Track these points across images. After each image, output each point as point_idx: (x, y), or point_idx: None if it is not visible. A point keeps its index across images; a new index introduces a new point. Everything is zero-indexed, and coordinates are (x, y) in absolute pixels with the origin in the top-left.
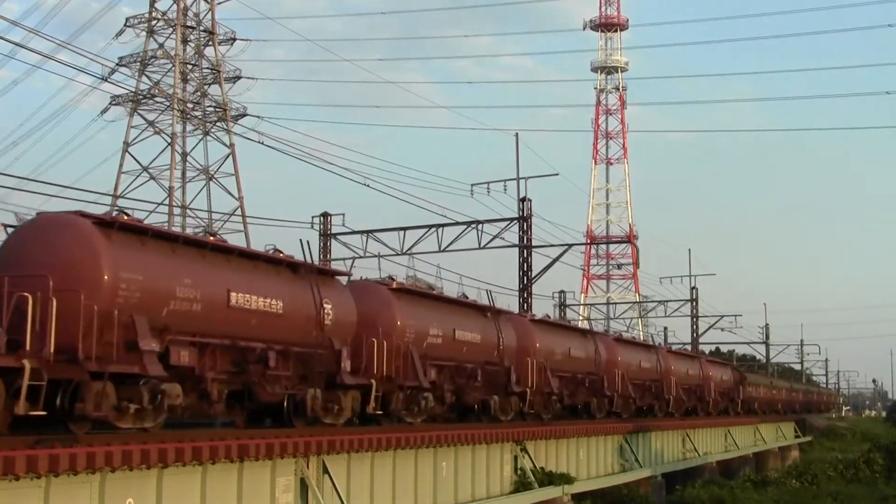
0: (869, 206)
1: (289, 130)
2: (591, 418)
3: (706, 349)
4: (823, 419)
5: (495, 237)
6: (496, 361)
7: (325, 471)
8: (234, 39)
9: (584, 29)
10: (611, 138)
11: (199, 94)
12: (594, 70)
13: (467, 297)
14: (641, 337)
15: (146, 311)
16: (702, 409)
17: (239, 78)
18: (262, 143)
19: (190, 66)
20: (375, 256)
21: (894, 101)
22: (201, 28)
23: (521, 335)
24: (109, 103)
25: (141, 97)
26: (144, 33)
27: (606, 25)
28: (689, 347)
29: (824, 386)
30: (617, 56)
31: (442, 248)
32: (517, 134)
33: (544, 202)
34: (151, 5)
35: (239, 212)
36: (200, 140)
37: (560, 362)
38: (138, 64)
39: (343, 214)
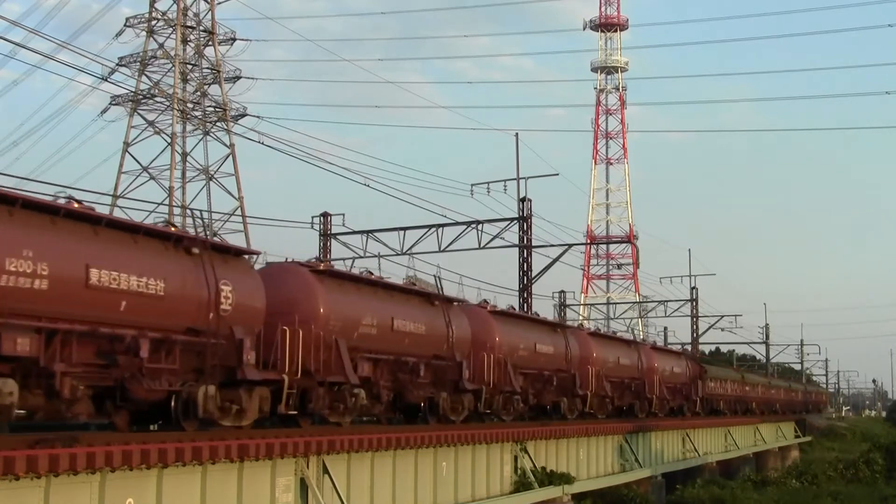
0: (869, 206)
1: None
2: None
3: (706, 349)
4: (823, 419)
5: (495, 237)
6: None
7: (325, 471)
8: (234, 39)
9: (584, 29)
10: (611, 138)
11: (199, 94)
12: (594, 70)
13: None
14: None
15: None
16: (640, 408)
17: (239, 78)
18: (262, 143)
19: (190, 66)
20: (375, 256)
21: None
22: (201, 28)
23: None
24: (109, 103)
25: (141, 97)
26: (144, 33)
27: (606, 25)
28: (689, 348)
29: (816, 384)
30: (617, 56)
31: (442, 248)
32: (517, 134)
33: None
34: (151, 5)
35: (239, 212)
36: (200, 140)
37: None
38: (138, 64)
39: (343, 214)
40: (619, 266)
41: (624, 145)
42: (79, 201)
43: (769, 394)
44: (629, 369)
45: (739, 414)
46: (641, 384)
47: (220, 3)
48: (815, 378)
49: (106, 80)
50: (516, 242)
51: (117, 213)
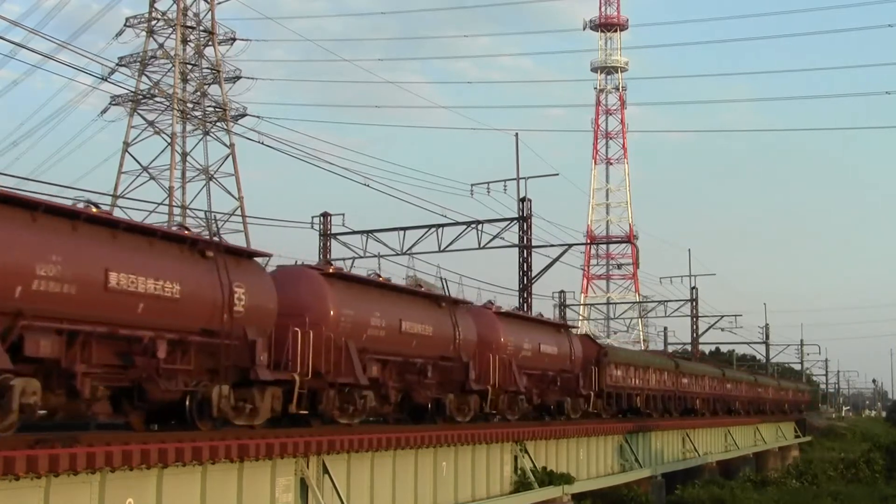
0: (869, 206)
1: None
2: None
3: (706, 349)
4: (821, 418)
5: (495, 237)
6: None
7: (325, 471)
8: (234, 39)
9: (583, 29)
10: (611, 138)
11: (199, 94)
12: (594, 70)
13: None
14: (642, 338)
15: None
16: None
17: (239, 78)
18: (262, 143)
19: (190, 66)
20: (375, 256)
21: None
22: (201, 28)
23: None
24: (109, 103)
25: (141, 97)
26: (144, 33)
27: (606, 25)
28: (689, 348)
29: (798, 380)
30: (617, 56)
31: (442, 248)
32: (517, 134)
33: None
34: (151, 5)
35: (239, 212)
36: (200, 140)
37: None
38: (138, 64)
39: (343, 214)
40: (619, 266)
41: (624, 145)
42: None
43: (724, 389)
44: (555, 359)
45: (673, 415)
46: (573, 378)
47: (220, 3)
48: (814, 378)
49: (106, 80)
50: (516, 242)
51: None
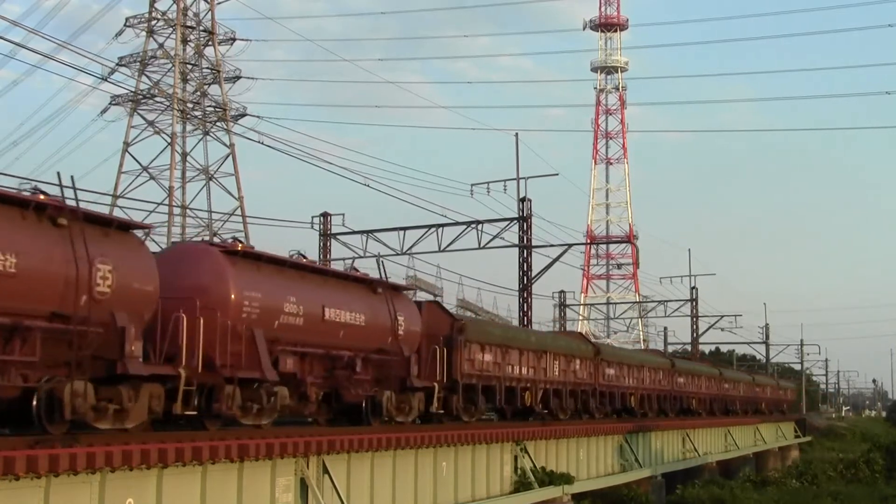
0: (869, 206)
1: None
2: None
3: (706, 349)
4: (824, 419)
5: (495, 237)
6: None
7: (325, 471)
8: (234, 39)
9: (583, 29)
10: (611, 138)
11: (198, 94)
12: (594, 70)
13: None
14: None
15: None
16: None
17: (239, 78)
18: (262, 143)
19: (190, 66)
20: (375, 256)
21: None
22: (201, 28)
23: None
24: (109, 103)
25: (141, 97)
26: (144, 33)
27: (606, 25)
28: (689, 348)
29: (776, 377)
30: (617, 56)
31: (442, 248)
32: (517, 134)
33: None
34: (151, 5)
35: (239, 212)
36: (200, 140)
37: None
38: (138, 64)
39: (343, 214)
40: (619, 266)
41: (624, 145)
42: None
43: (675, 384)
44: (361, 332)
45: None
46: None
47: (220, 3)
48: (814, 378)
49: (106, 80)
50: (516, 242)
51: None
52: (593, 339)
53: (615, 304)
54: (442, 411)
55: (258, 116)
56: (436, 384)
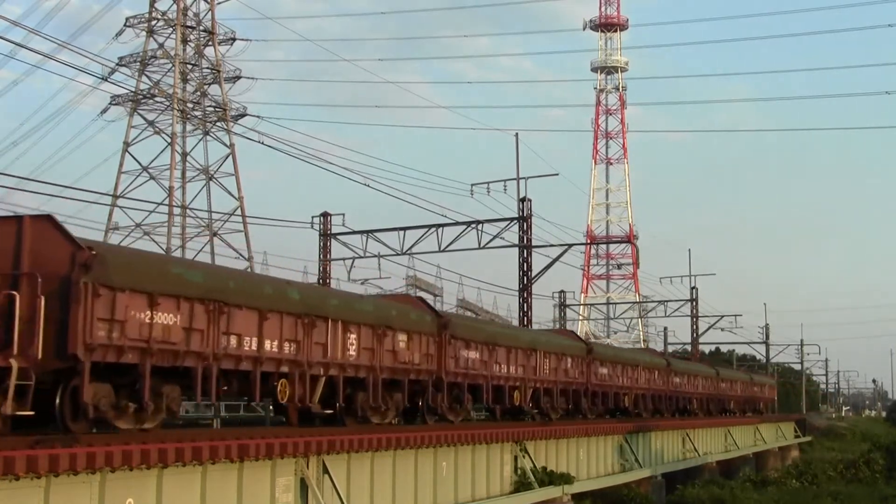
0: (869, 206)
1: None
2: None
3: (706, 349)
4: (824, 419)
5: (495, 237)
6: None
7: (325, 471)
8: (234, 39)
9: (583, 29)
10: (611, 138)
11: (199, 94)
12: (594, 70)
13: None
14: (642, 338)
15: None
16: None
17: (239, 78)
18: (262, 143)
19: (190, 66)
20: (375, 256)
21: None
22: (201, 28)
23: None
24: (109, 103)
25: (141, 97)
26: (144, 33)
27: (606, 25)
28: (688, 348)
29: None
30: (617, 56)
31: (442, 248)
32: (517, 134)
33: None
34: (151, 5)
35: (239, 212)
36: (200, 140)
37: None
38: (138, 64)
39: (343, 214)
40: (619, 266)
41: (624, 145)
42: None
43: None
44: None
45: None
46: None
47: (220, 3)
48: (814, 378)
49: (106, 80)
50: (516, 242)
51: (117, 213)
52: (592, 339)
53: (615, 304)
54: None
55: (258, 116)
56: (13, 363)
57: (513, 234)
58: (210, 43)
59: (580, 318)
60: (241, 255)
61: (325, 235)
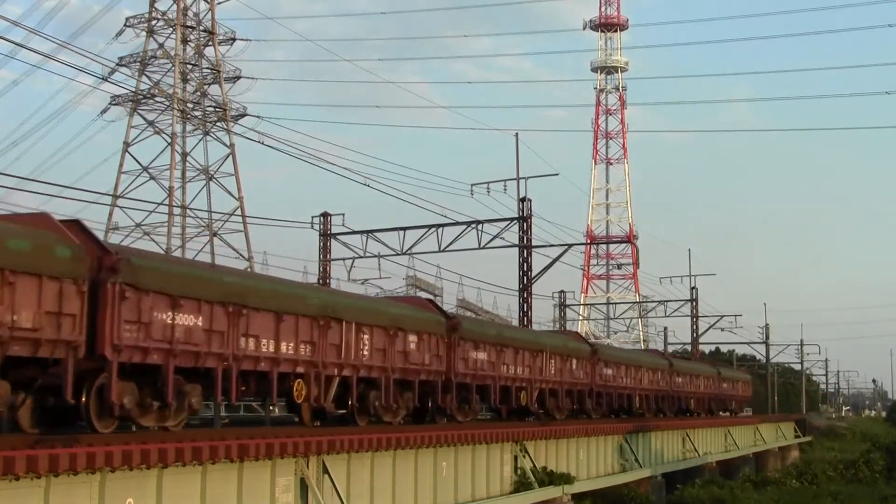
0: (869, 207)
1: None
2: None
3: (706, 349)
4: (824, 419)
5: (495, 237)
6: None
7: (325, 471)
8: (234, 39)
9: (583, 29)
10: (611, 138)
11: (199, 94)
12: (594, 70)
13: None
14: (642, 338)
15: None
16: None
17: (239, 78)
18: (262, 143)
19: (190, 66)
20: (375, 256)
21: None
22: (201, 28)
23: None
24: (109, 103)
25: (141, 97)
26: (144, 33)
27: (606, 25)
28: (689, 348)
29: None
30: (617, 56)
31: (442, 248)
32: (517, 134)
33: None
34: (151, 5)
35: (239, 212)
36: (200, 140)
37: None
38: (138, 64)
39: (343, 214)
40: (619, 266)
41: (624, 145)
42: None
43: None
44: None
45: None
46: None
47: (220, 3)
48: (814, 378)
49: (106, 80)
50: (516, 242)
51: (117, 213)
52: (593, 339)
53: (615, 304)
54: None
55: (258, 116)
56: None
57: (513, 234)
58: (210, 43)
59: (580, 318)
60: (241, 255)
61: (325, 235)
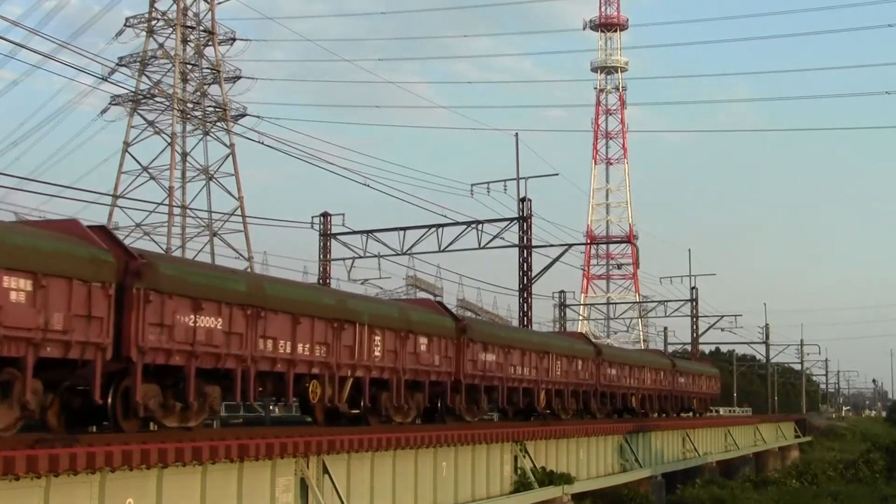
0: (869, 206)
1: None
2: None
3: (706, 349)
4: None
5: (495, 237)
6: None
7: (325, 471)
8: (234, 39)
9: (583, 29)
10: (611, 138)
11: (199, 94)
12: (594, 70)
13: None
14: (642, 338)
15: None
16: None
17: (239, 78)
18: (262, 143)
19: (190, 66)
20: (375, 256)
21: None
22: (201, 28)
23: None
24: (109, 103)
25: (141, 97)
26: (144, 33)
27: (606, 25)
28: (689, 348)
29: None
30: (617, 56)
31: (442, 248)
32: (517, 134)
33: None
34: (151, 5)
35: (239, 212)
36: (200, 140)
37: None
38: (138, 64)
39: (343, 214)
40: (619, 266)
41: (624, 145)
42: None
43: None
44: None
45: None
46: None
47: (220, 3)
48: (814, 378)
49: (106, 80)
50: (516, 242)
51: (117, 213)
52: (593, 340)
53: (615, 304)
54: None
55: (258, 116)
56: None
57: (513, 234)
58: (210, 43)
59: (580, 318)
60: (241, 255)
61: (325, 235)
